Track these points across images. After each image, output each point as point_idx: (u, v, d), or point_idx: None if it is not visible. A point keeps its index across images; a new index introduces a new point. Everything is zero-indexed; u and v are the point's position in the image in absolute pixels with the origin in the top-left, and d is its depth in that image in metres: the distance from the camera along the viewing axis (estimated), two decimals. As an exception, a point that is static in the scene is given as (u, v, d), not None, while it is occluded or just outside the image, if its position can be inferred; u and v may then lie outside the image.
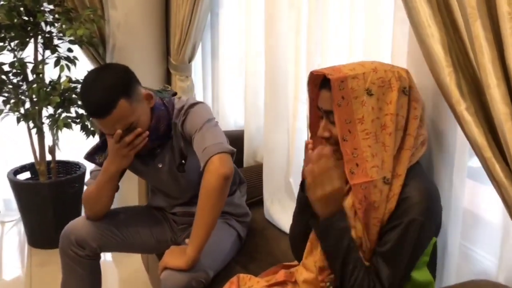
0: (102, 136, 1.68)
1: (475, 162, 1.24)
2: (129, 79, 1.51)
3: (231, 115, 2.66)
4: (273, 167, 1.97)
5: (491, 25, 0.91)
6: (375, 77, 1.10)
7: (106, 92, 1.44)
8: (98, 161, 1.67)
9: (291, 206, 1.98)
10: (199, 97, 2.91)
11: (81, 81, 2.59)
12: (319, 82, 1.20)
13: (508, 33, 0.86)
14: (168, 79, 2.97)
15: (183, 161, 1.65)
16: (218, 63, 2.64)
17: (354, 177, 1.10)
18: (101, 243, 1.72)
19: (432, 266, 1.20)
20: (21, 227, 2.94)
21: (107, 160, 1.58)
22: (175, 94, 1.71)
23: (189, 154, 1.64)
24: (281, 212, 1.99)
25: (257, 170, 2.22)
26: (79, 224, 1.73)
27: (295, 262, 1.45)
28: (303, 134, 1.86)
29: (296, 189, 1.92)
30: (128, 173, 1.74)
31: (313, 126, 1.28)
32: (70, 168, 2.97)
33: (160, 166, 1.68)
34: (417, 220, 1.09)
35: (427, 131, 1.18)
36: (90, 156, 1.68)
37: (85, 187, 1.73)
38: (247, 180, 1.99)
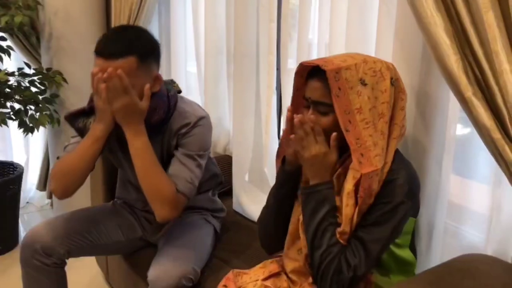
0: (90, 102, 1.54)
1: (460, 131, 1.36)
2: (153, 49, 1.46)
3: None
4: (244, 157, 1.95)
5: (502, 15, 0.97)
6: (366, 67, 1.12)
7: (125, 40, 1.40)
8: (77, 125, 1.53)
9: (262, 197, 1.99)
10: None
11: (17, 72, 2.41)
12: (305, 73, 1.19)
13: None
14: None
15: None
16: (169, 52, 2.54)
17: (362, 167, 1.11)
18: (70, 248, 1.61)
19: (413, 247, 1.27)
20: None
21: (95, 122, 1.47)
22: (179, 92, 1.64)
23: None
24: (252, 203, 1.98)
25: (220, 162, 2.18)
26: (42, 231, 1.59)
27: (280, 253, 1.45)
28: (276, 123, 1.86)
29: (271, 179, 1.92)
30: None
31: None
32: (3, 168, 2.71)
33: None
34: (405, 203, 1.13)
35: (406, 120, 1.22)
36: (72, 117, 1.54)
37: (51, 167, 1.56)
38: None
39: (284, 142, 1.25)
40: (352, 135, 1.11)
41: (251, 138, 1.98)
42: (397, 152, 1.20)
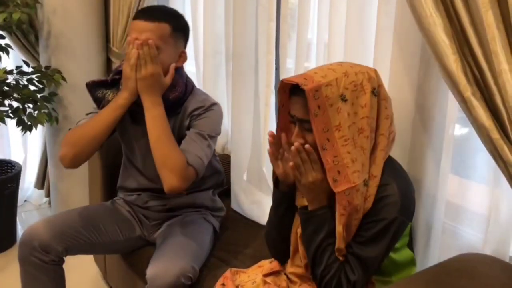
0: (116, 74, 1.61)
1: (459, 131, 1.37)
2: (185, 27, 1.62)
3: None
4: (243, 156, 1.95)
5: (501, 15, 0.97)
6: (347, 81, 1.10)
7: (164, 10, 1.59)
8: (97, 95, 1.61)
9: (260, 196, 2.00)
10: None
11: (16, 70, 2.41)
12: (289, 89, 1.18)
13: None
14: (108, 68, 2.80)
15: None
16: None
17: (337, 185, 1.11)
18: (67, 245, 1.61)
19: (410, 246, 1.28)
20: None
21: (119, 92, 1.55)
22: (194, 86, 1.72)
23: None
24: (250, 202, 1.98)
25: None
26: (40, 228, 1.60)
27: None
28: (274, 123, 1.86)
29: (269, 179, 1.93)
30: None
31: (283, 130, 1.25)
32: (0, 167, 2.70)
33: None
34: (398, 219, 1.13)
35: (394, 126, 1.21)
36: (93, 85, 1.61)
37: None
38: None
39: (272, 163, 1.27)
40: (330, 154, 1.11)
41: (249, 137, 1.98)
42: (388, 163, 1.18)
